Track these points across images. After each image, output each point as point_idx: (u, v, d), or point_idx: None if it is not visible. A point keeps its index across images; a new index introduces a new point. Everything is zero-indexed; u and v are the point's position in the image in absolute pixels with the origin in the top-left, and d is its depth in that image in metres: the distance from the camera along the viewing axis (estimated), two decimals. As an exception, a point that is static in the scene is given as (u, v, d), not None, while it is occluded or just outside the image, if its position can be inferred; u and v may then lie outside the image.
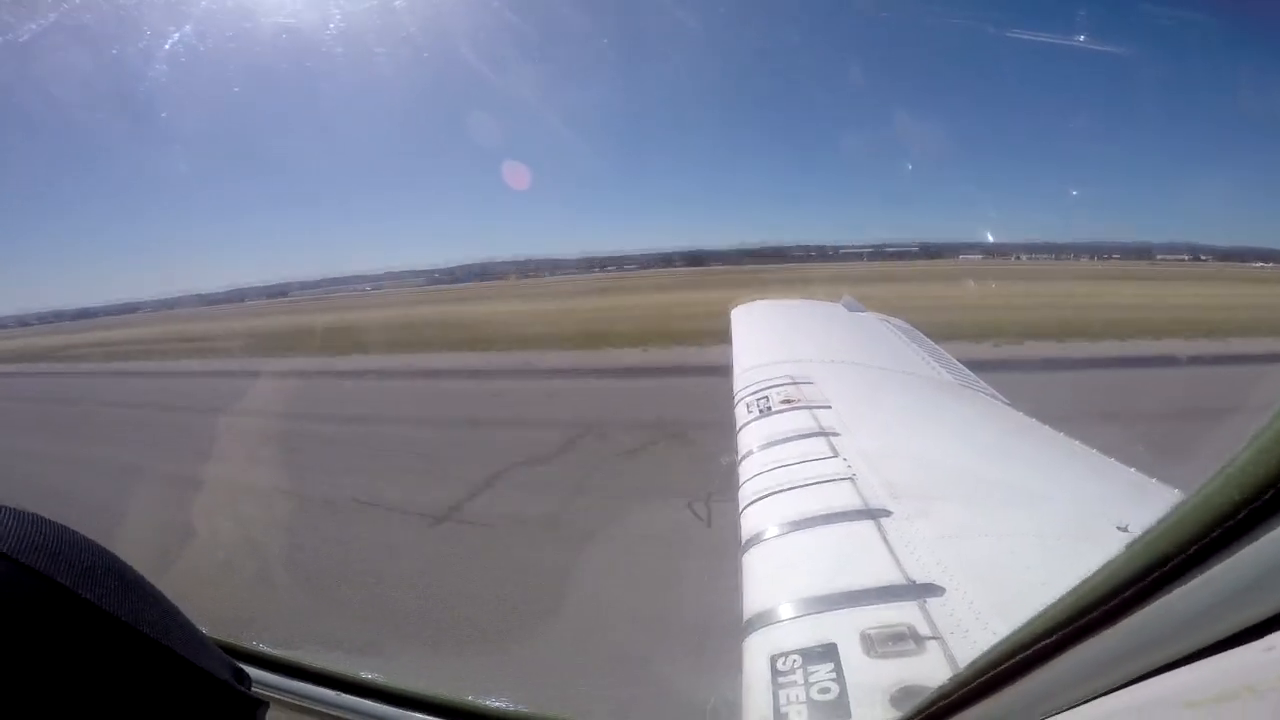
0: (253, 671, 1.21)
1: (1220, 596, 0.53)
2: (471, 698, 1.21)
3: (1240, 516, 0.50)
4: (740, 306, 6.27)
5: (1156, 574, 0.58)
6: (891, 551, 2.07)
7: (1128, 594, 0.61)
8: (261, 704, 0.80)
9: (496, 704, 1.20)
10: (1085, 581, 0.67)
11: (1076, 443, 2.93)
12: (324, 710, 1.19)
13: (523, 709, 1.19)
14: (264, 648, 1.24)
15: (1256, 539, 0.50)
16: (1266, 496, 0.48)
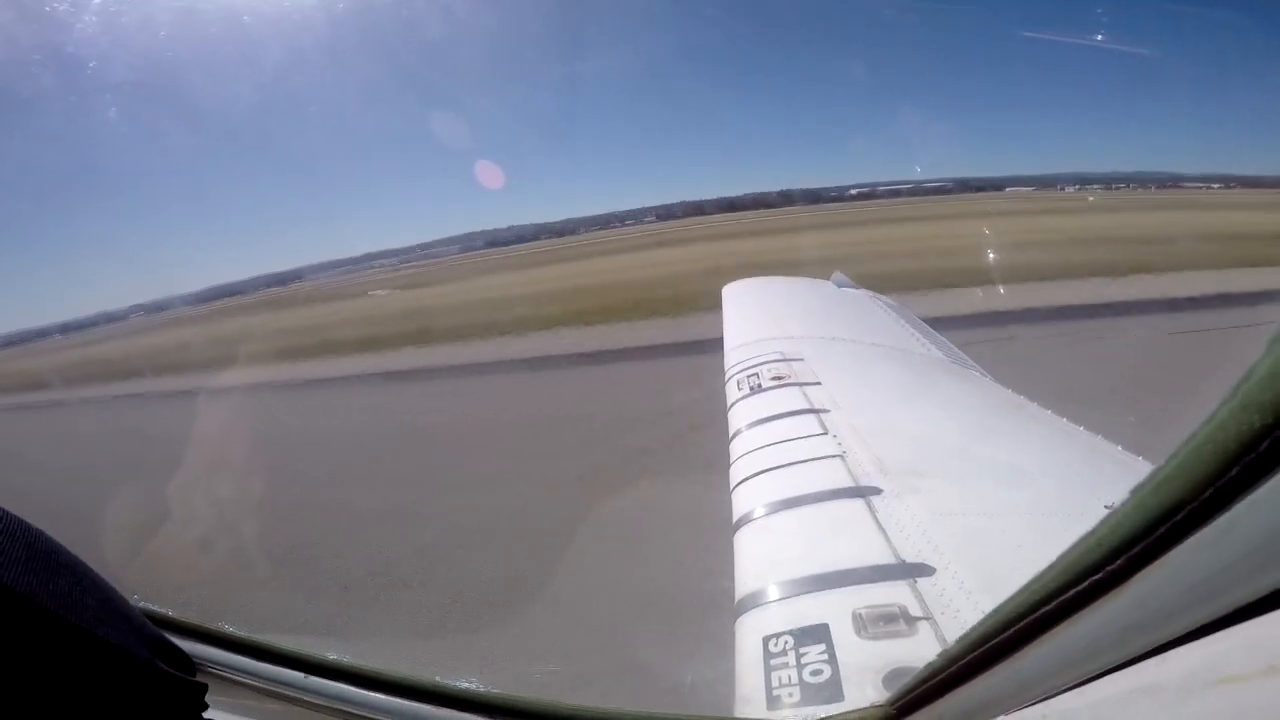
0: (210, 652, 1.19)
1: (1248, 549, 0.47)
2: (437, 679, 1.19)
3: (1260, 451, 0.43)
4: (732, 284, 6.24)
5: (1159, 533, 0.52)
6: (882, 530, 2.07)
7: (1129, 555, 0.55)
8: (202, 686, 0.77)
9: (464, 685, 1.19)
10: (1071, 548, 0.62)
11: (1066, 421, 2.94)
12: (285, 692, 1.17)
13: (492, 690, 1.17)
14: (226, 627, 1.21)
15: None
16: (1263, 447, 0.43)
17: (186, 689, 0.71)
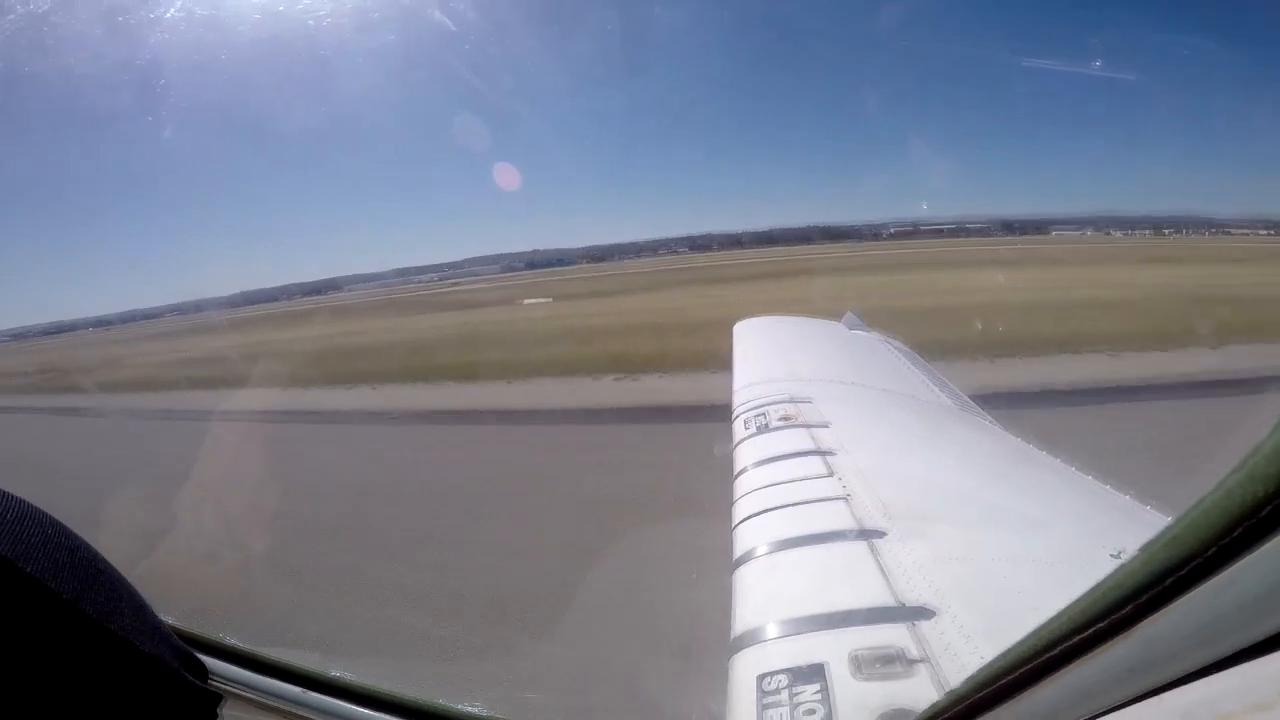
0: (219, 665, 1.20)
1: (1243, 602, 0.53)
2: (443, 701, 1.18)
3: (1260, 516, 0.49)
4: (743, 322, 6.28)
5: (1166, 583, 0.57)
6: (884, 572, 2.05)
7: (1137, 603, 0.60)
8: (217, 697, 0.79)
9: (470, 709, 1.18)
10: (1086, 595, 0.67)
11: (1074, 469, 2.91)
12: (290, 709, 1.17)
13: (497, 715, 1.17)
14: (234, 641, 1.21)
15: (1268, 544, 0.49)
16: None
17: (204, 699, 0.73)
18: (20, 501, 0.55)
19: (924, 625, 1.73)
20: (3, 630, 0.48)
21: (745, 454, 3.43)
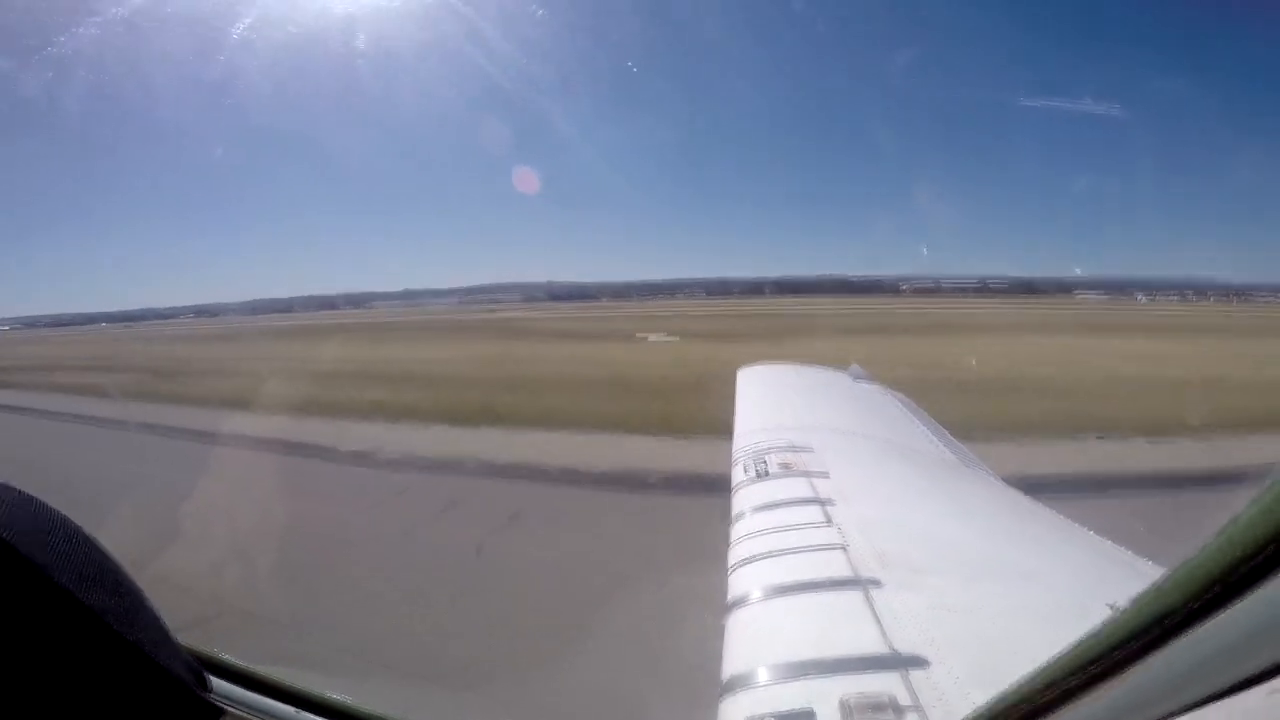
0: (220, 682, 1.20)
1: (1223, 649, 0.58)
2: None
3: (1239, 575, 0.56)
4: (746, 368, 6.31)
5: (1160, 629, 0.62)
6: (878, 621, 2.02)
7: (1129, 649, 0.66)
8: (218, 711, 0.80)
9: None
10: (1082, 639, 0.72)
11: (1075, 524, 2.88)
12: None
13: None
14: (228, 657, 1.21)
15: (1254, 595, 0.55)
16: (1265, 554, 0.54)
17: (206, 712, 0.74)
18: (53, 512, 0.58)
19: (917, 674, 1.70)
20: (32, 634, 0.51)
21: (744, 499, 3.42)
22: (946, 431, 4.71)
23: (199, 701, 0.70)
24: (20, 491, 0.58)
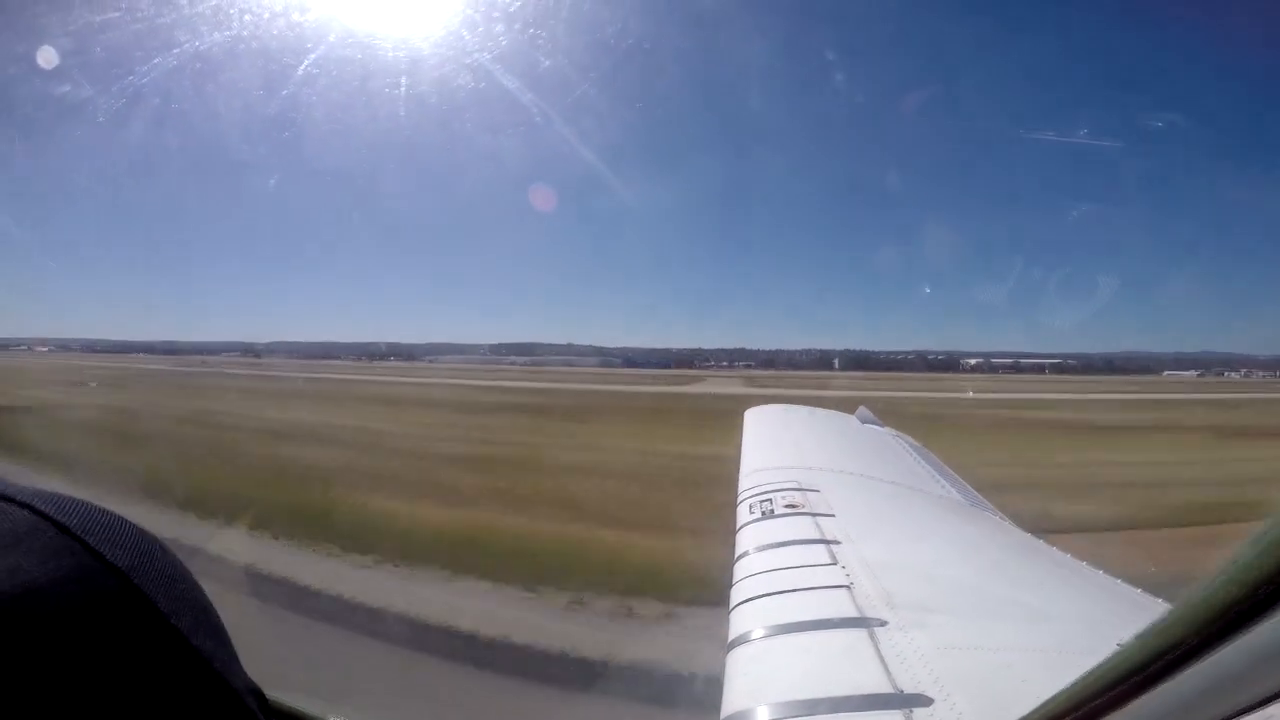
0: None
1: (1224, 680, 0.61)
2: None
3: (1239, 611, 0.58)
4: (754, 409, 6.29)
5: (1162, 663, 0.66)
6: (882, 660, 1.97)
7: (1132, 682, 0.70)
8: None
9: None
10: (1091, 671, 0.77)
11: (1083, 564, 2.81)
12: None
13: None
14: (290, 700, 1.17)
15: (1254, 630, 0.57)
16: (1264, 590, 0.56)
17: None
18: (146, 534, 0.58)
19: (921, 712, 1.65)
20: (148, 677, 0.51)
21: (748, 538, 3.38)
22: (955, 474, 4.65)
23: None
24: (107, 510, 0.58)
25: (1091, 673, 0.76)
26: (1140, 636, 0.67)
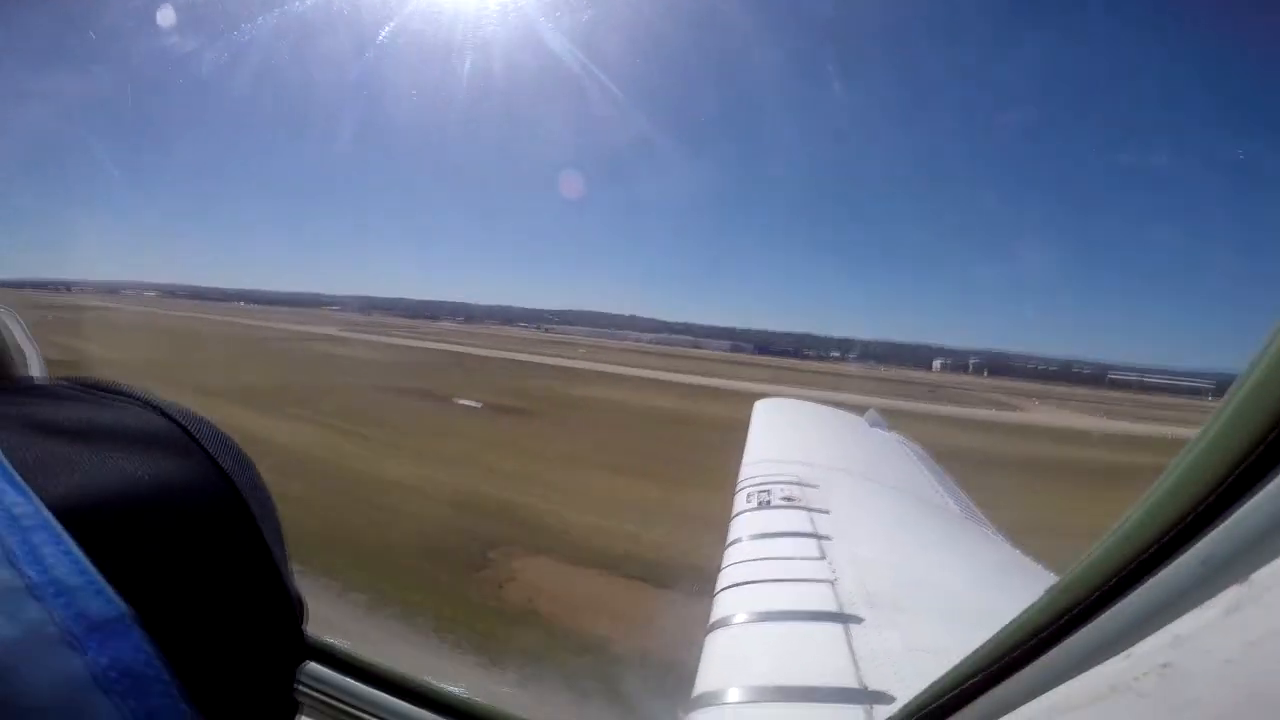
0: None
1: (1105, 638, 0.64)
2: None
3: (1132, 567, 0.60)
4: (765, 400, 6.32)
5: (1064, 620, 0.69)
6: (853, 656, 2.04)
7: (1040, 637, 0.72)
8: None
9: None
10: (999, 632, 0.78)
11: None
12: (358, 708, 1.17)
13: None
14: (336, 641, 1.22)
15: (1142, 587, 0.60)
16: (1157, 545, 0.59)
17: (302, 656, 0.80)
18: (247, 456, 0.63)
19: (880, 709, 1.72)
20: (229, 556, 0.55)
21: (742, 526, 3.45)
22: (957, 486, 4.67)
23: (303, 642, 0.74)
24: (227, 435, 0.62)
25: (1000, 633, 0.79)
26: (1044, 595, 0.72)
